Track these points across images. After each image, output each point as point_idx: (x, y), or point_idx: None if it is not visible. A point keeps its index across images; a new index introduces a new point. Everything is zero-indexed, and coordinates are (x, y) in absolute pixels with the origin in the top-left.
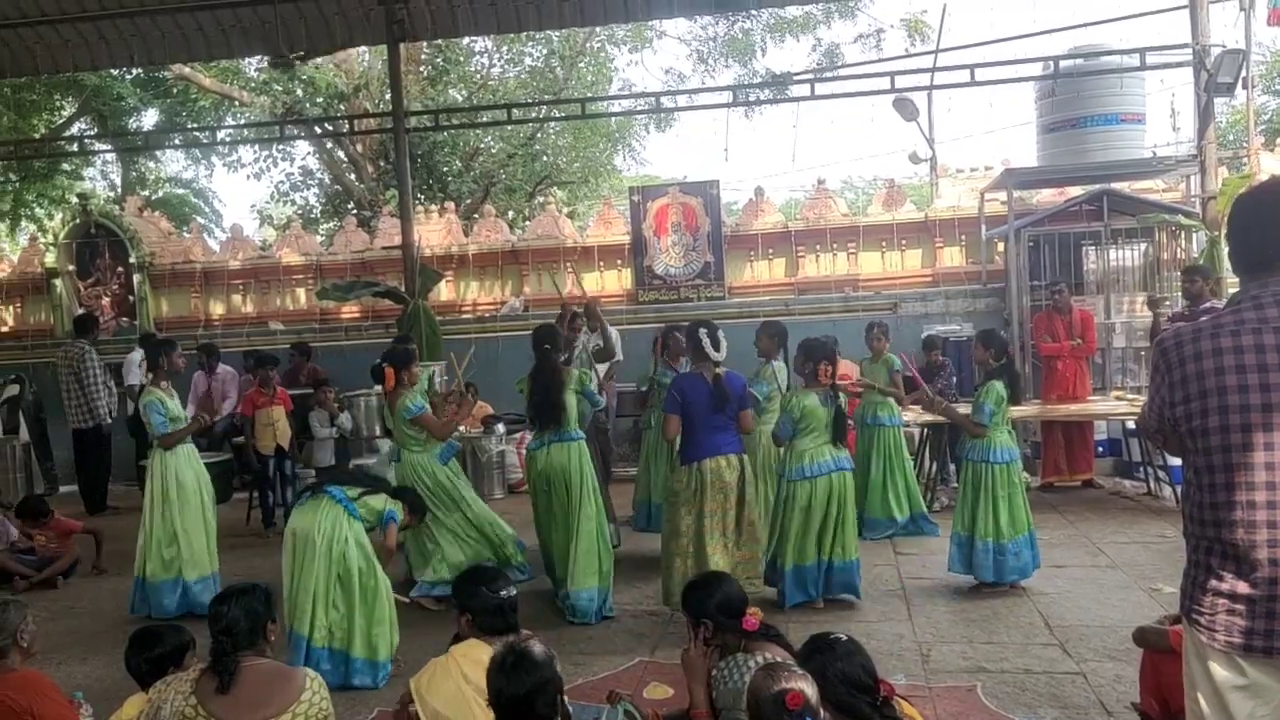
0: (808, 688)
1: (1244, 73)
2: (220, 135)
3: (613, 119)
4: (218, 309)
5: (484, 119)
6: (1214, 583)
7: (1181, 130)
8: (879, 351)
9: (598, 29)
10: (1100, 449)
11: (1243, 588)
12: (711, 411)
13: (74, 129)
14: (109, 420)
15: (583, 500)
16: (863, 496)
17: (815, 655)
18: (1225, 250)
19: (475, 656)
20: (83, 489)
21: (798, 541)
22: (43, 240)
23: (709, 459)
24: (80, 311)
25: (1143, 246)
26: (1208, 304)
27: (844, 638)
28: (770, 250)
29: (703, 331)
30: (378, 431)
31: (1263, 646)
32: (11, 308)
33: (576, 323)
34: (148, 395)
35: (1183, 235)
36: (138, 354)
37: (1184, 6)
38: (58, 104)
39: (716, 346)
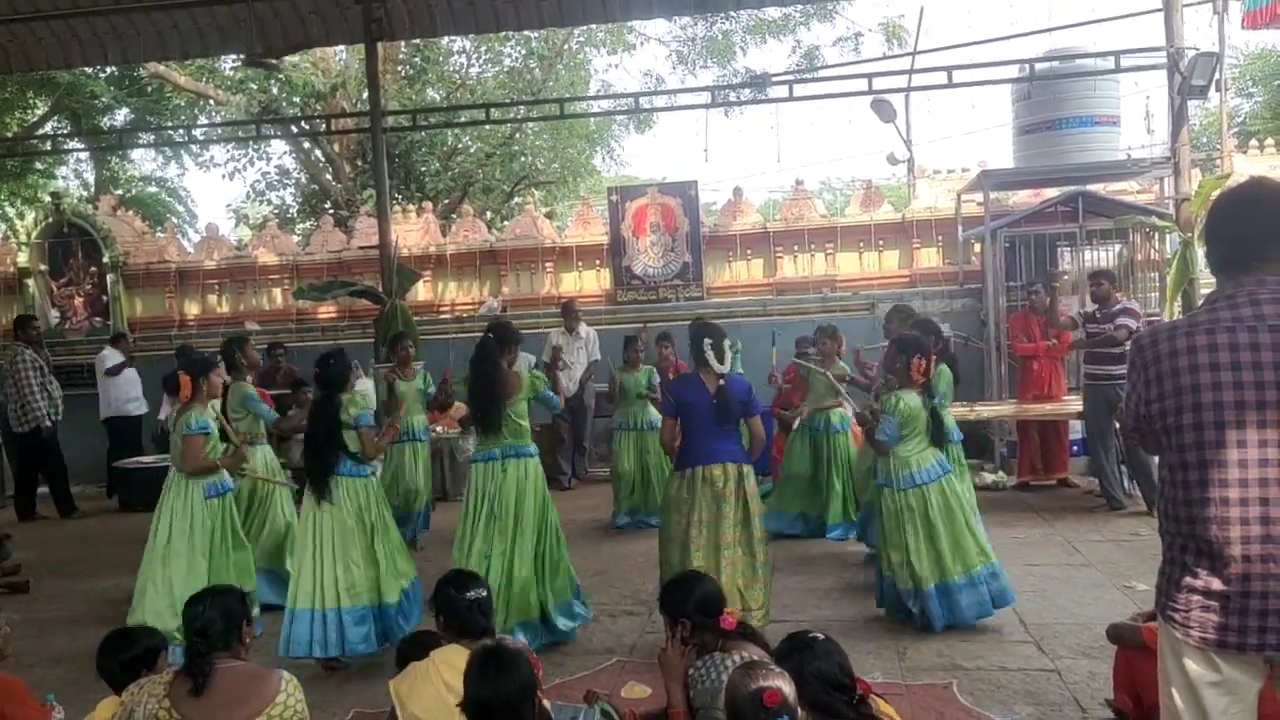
0: (785, 686)
1: (1217, 75)
2: (196, 134)
3: (591, 120)
4: (193, 309)
5: (462, 119)
6: (1188, 579)
7: (1156, 133)
8: (828, 355)
9: (576, 30)
10: (1075, 448)
11: (1216, 584)
12: (712, 421)
13: (47, 127)
14: (49, 423)
15: (522, 527)
16: (825, 503)
17: (793, 654)
18: (1199, 250)
19: (455, 663)
20: (16, 494)
21: (932, 556)
22: (15, 240)
23: (701, 466)
24: (41, 312)
25: (1117, 248)
26: (1119, 305)
27: (821, 636)
28: (749, 251)
29: (706, 341)
30: None
31: (1236, 643)
32: None
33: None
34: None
35: (1156, 237)
36: (108, 352)
37: (1158, 10)
38: (30, 102)
39: (720, 357)
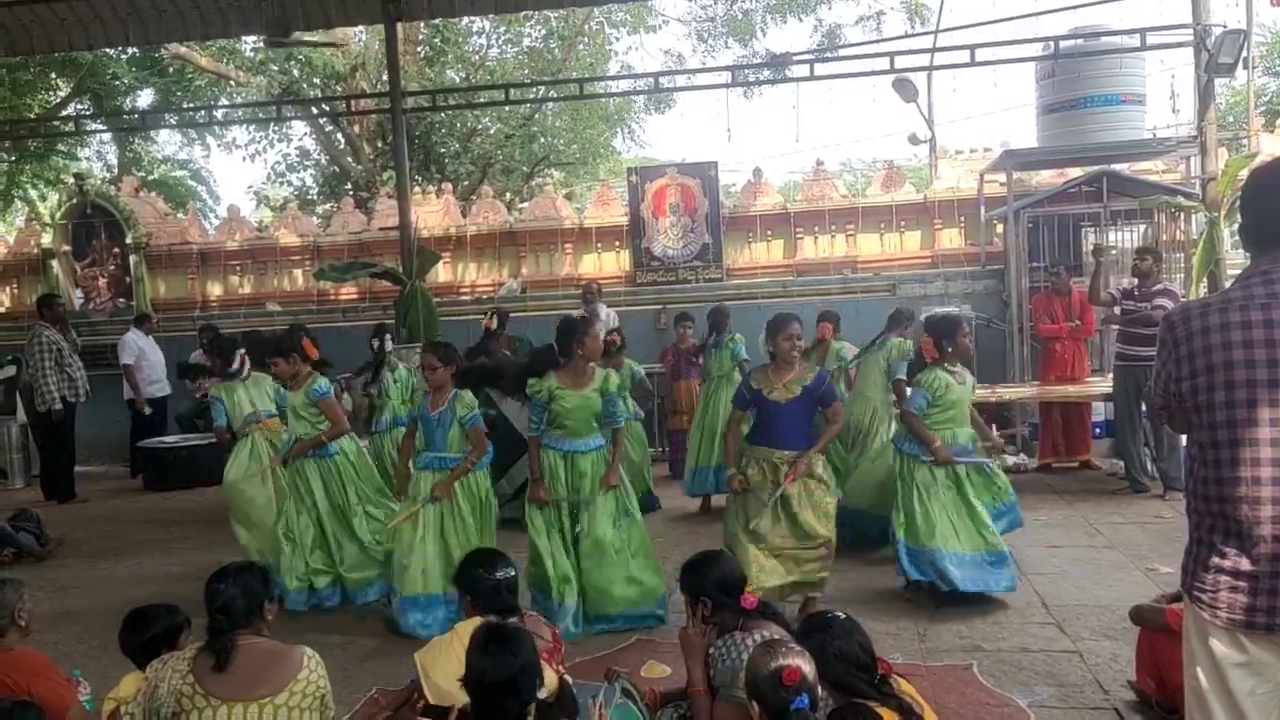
0: (805, 664)
1: (1244, 53)
2: (217, 115)
3: (611, 100)
4: (215, 290)
5: (482, 99)
6: (1216, 559)
7: (1181, 112)
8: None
9: (597, 10)
10: (1097, 430)
11: (1245, 564)
12: None
13: (69, 109)
14: (59, 406)
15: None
16: None
17: (813, 633)
18: (1225, 230)
19: None
20: (42, 473)
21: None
22: (38, 221)
23: None
24: (65, 292)
25: (1142, 228)
26: (1159, 286)
27: (842, 616)
28: (769, 232)
29: None
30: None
31: (1265, 624)
32: (8, 289)
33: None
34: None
35: (1182, 217)
36: (133, 334)
37: None
38: (53, 83)
39: None
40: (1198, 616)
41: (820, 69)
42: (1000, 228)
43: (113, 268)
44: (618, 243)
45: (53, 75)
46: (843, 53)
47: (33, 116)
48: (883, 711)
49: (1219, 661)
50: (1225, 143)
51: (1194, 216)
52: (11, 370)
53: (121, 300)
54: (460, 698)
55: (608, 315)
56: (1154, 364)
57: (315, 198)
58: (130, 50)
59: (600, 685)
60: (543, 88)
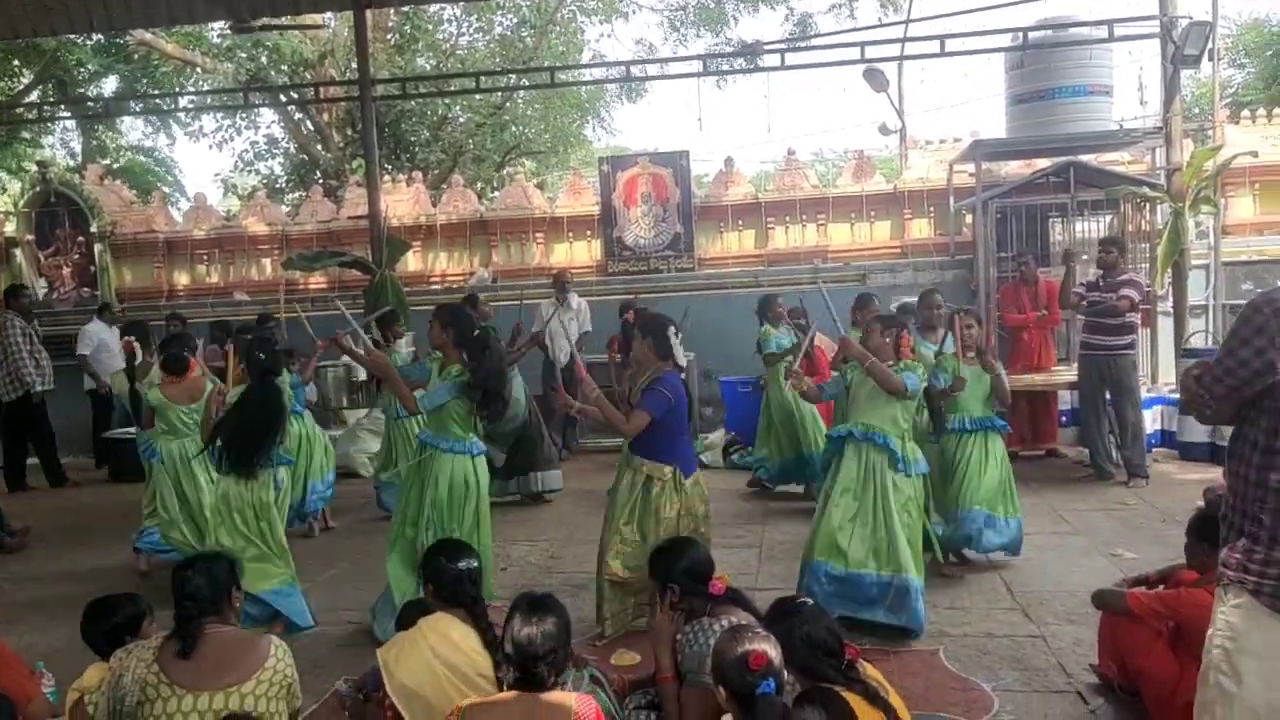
0: (771, 649)
1: (1210, 45)
2: (183, 102)
3: (583, 89)
4: (181, 279)
5: (452, 88)
6: None
7: (1149, 103)
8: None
9: None
10: (1063, 419)
11: None
12: (687, 421)
13: (33, 96)
14: (38, 389)
15: None
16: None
17: (781, 619)
18: (1190, 220)
19: (443, 631)
20: (5, 465)
21: None
22: (1, 209)
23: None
24: (28, 281)
25: (1108, 218)
26: (1124, 276)
27: (810, 601)
28: (740, 221)
29: (672, 330)
30: (344, 403)
31: None
32: None
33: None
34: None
35: (1148, 207)
36: (95, 324)
37: None
38: (16, 70)
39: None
40: (1265, 614)
41: (792, 58)
42: (969, 218)
43: (77, 256)
44: (589, 232)
45: (15, 62)
46: (814, 42)
47: None
48: (848, 696)
49: None
50: (1190, 134)
51: (1159, 207)
52: None
53: (86, 289)
54: (424, 693)
55: (579, 305)
56: (1233, 349)
57: (284, 186)
58: (95, 37)
59: (569, 673)
60: (514, 76)
